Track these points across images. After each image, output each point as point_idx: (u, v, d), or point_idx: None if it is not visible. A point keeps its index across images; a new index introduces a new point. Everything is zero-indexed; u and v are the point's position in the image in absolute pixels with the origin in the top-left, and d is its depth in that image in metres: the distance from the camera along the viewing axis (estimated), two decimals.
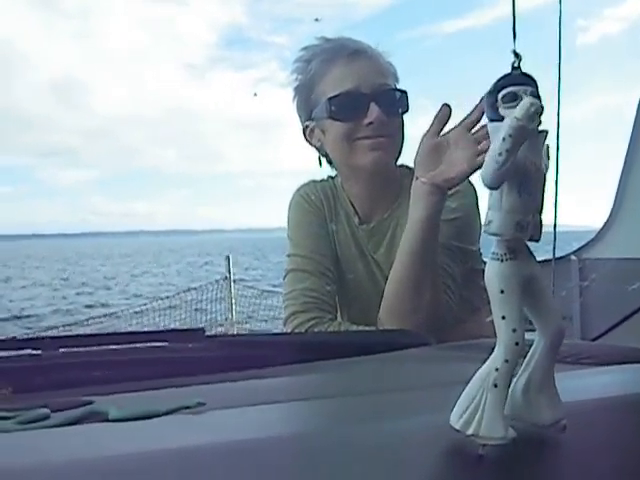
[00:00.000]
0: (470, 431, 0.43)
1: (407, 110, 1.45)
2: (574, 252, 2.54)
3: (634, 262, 2.22)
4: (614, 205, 2.50)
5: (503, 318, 0.43)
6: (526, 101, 0.41)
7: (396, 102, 1.44)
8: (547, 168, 0.44)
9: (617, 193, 2.46)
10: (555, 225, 1.06)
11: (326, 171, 1.58)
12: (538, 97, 0.42)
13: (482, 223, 0.44)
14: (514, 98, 0.42)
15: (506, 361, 0.43)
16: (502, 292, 0.43)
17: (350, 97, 1.41)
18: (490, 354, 0.45)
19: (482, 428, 0.43)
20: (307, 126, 1.52)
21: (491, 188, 0.42)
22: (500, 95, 0.42)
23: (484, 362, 0.45)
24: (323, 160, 1.54)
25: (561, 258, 2.42)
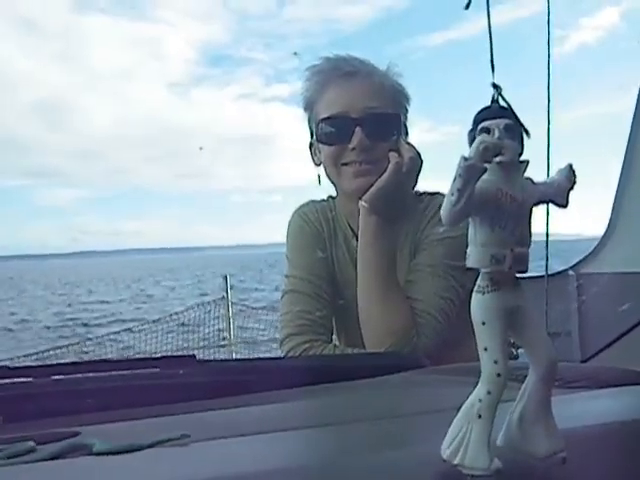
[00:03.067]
0: (456, 461, 0.43)
1: (400, 134, 1.43)
2: (572, 267, 2.52)
3: (633, 277, 2.21)
4: (611, 218, 2.49)
5: (485, 350, 0.43)
6: (477, 139, 0.41)
7: (385, 126, 1.41)
8: (570, 191, 0.44)
9: (614, 206, 2.45)
10: (547, 243, 1.06)
11: (315, 189, 1.56)
12: (512, 129, 0.42)
13: None
14: (488, 132, 0.42)
15: (488, 392, 0.43)
16: (483, 324, 0.43)
17: (337, 121, 1.41)
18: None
19: (467, 458, 0.43)
20: (311, 144, 1.52)
21: (450, 225, 0.43)
22: (478, 129, 0.42)
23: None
24: (323, 179, 1.53)
25: (558, 273, 2.41)
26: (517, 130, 0.43)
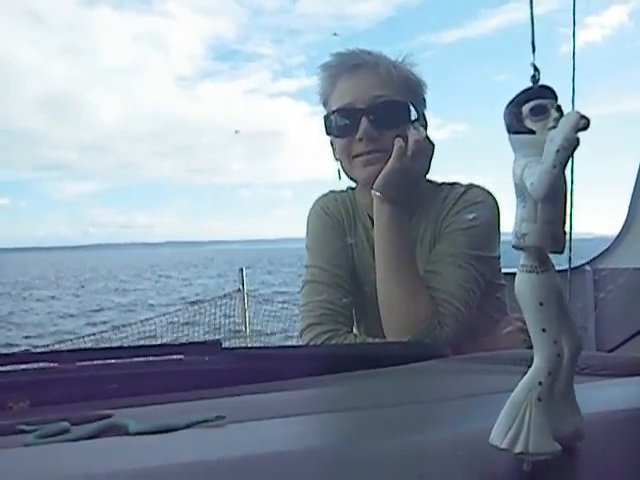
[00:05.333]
0: (518, 449, 0.42)
1: (410, 120, 1.41)
2: (588, 262, 2.52)
3: None
4: (628, 214, 2.48)
5: (544, 331, 0.42)
6: (575, 114, 0.41)
7: (393, 114, 1.41)
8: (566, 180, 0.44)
9: (631, 202, 2.44)
10: (570, 235, 1.06)
11: (325, 184, 1.56)
12: (561, 110, 0.43)
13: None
14: (543, 111, 0.42)
15: (549, 374, 0.42)
16: (541, 304, 0.42)
17: (344, 113, 1.42)
18: (507, 366, 0.44)
19: (531, 444, 0.42)
20: (332, 141, 1.53)
21: (543, 201, 0.42)
22: (527, 108, 0.42)
23: (501, 374, 0.45)
24: (342, 173, 1.53)
25: (576, 268, 2.40)
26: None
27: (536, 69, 0.44)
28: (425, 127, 1.45)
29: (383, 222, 1.38)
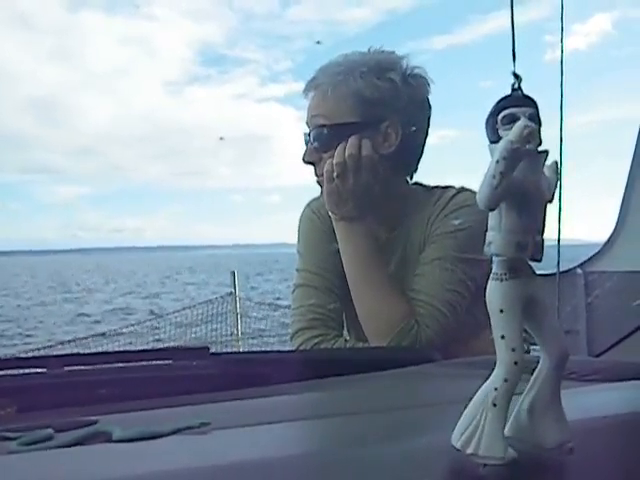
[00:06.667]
0: (470, 450, 0.43)
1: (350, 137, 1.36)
2: (579, 265, 2.52)
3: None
4: (619, 217, 2.49)
5: (502, 337, 0.43)
6: (520, 123, 0.41)
7: (330, 136, 1.38)
8: (556, 185, 0.45)
9: (622, 205, 2.45)
10: (559, 239, 1.06)
11: (313, 189, 1.56)
12: (538, 118, 0.43)
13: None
14: (513, 120, 0.42)
15: (505, 380, 0.43)
16: (501, 311, 0.43)
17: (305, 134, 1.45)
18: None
19: (481, 447, 0.43)
20: None
21: (488, 209, 0.43)
22: (499, 117, 0.43)
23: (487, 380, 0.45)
24: None
25: (566, 272, 2.41)
26: (538, 120, 0.43)
27: (516, 77, 0.44)
28: (397, 135, 1.39)
29: (342, 238, 1.41)
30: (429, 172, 1.55)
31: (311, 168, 1.45)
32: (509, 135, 0.41)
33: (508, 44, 0.45)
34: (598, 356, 1.69)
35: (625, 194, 2.41)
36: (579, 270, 2.48)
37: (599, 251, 2.53)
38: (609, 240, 2.50)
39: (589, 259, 2.51)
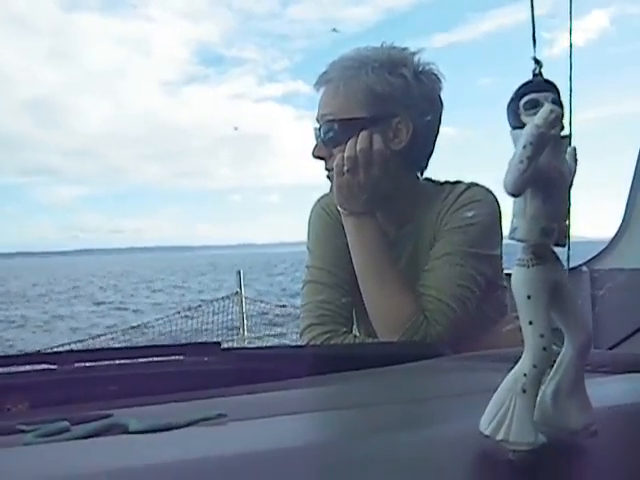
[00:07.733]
0: (500, 436, 0.43)
1: (359, 133, 1.36)
2: (585, 263, 2.52)
3: None
4: (625, 215, 2.48)
5: (530, 323, 0.43)
6: (546, 108, 0.41)
7: (339, 131, 1.39)
8: (575, 171, 0.45)
9: (628, 203, 2.44)
10: (569, 236, 1.06)
11: (313, 189, 1.56)
12: (559, 103, 0.43)
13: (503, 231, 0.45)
14: (535, 105, 0.42)
15: (534, 366, 0.43)
16: (529, 298, 0.43)
17: (315, 129, 1.44)
18: (506, 364, 0.45)
19: (511, 433, 0.43)
20: None
21: (513, 195, 0.43)
22: (521, 102, 0.43)
23: (500, 372, 0.45)
24: None
25: (572, 269, 2.40)
26: (560, 104, 0.43)
27: (537, 62, 0.44)
28: (407, 131, 1.39)
29: (352, 233, 1.41)
30: (428, 171, 1.55)
31: (310, 168, 1.45)
32: (535, 120, 0.41)
33: (508, 43, 0.45)
34: (613, 347, 1.69)
35: (631, 192, 2.41)
36: (585, 268, 2.48)
37: (605, 249, 2.52)
38: (615, 238, 2.50)
39: (595, 257, 2.51)
